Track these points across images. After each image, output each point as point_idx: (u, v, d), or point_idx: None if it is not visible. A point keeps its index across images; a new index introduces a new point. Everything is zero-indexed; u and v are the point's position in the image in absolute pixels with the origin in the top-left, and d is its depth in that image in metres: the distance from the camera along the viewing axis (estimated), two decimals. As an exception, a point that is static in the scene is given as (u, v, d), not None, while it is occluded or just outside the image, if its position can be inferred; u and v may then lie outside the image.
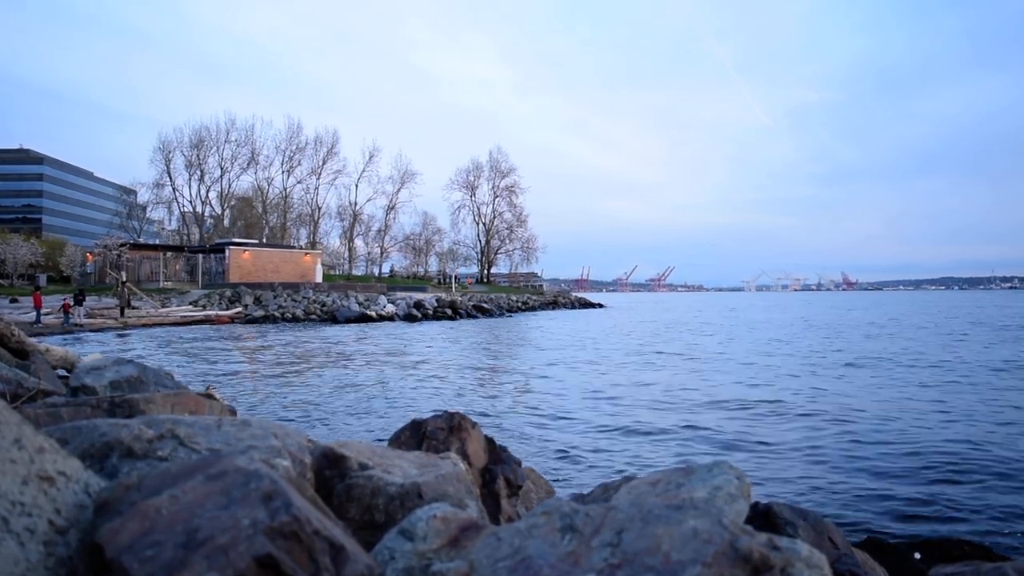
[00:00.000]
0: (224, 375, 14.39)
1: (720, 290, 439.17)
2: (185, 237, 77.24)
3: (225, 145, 78.26)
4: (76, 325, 27.44)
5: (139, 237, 74.85)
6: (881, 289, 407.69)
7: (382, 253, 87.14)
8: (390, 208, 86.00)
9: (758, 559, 1.09)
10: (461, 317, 45.04)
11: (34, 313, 27.56)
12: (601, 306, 76.37)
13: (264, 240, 70.92)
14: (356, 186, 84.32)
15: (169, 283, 50.52)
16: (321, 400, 11.14)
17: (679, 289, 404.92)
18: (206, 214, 79.47)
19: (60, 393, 3.60)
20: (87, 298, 31.84)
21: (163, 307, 37.20)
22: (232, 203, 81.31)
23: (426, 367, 16.20)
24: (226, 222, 79.88)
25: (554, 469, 6.86)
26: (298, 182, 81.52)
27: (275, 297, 41.60)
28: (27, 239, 61.65)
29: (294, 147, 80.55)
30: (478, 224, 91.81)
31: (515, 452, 3.92)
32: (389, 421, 9.30)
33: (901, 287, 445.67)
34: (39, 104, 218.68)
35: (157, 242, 71.57)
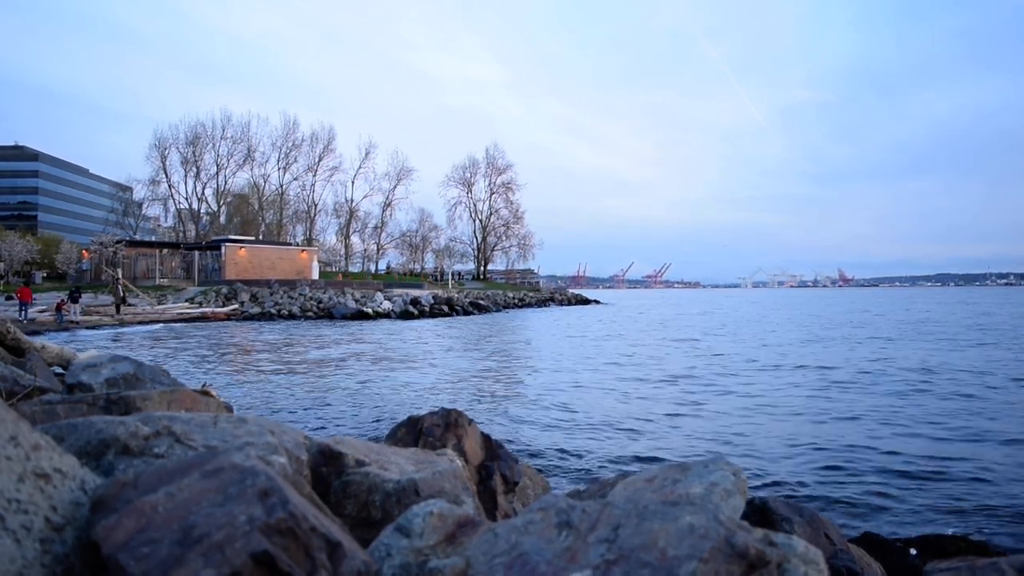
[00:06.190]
0: (220, 372, 14.37)
1: (716, 287, 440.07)
2: (181, 234, 76.89)
3: (221, 142, 77.92)
4: (71, 322, 27.34)
5: (135, 234, 74.36)
6: (877, 286, 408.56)
7: (378, 250, 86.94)
8: (386, 205, 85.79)
9: (754, 555, 1.09)
10: (457, 314, 45.04)
11: (19, 309, 26.92)
12: (598, 302, 76.27)
13: (260, 237, 70.69)
14: (352, 183, 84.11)
15: (165, 280, 50.37)
16: (318, 397, 11.13)
17: (675, 286, 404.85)
18: (202, 211, 79.19)
19: (56, 390, 3.59)
20: (83, 295, 31.73)
21: (159, 304, 37.10)
22: (228, 200, 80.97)
23: (423, 364, 16.19)
24: (222, 219, 79.50)
25: (551, 466, 6.87)
26: (294, 179, 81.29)
27: (271, 294, 41.52)
28: (23, 236, 61.35)
29: (290, 144, 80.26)
30: (474, 221, 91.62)
31: (511, 449, 3.92)
32: (386, 418, 9.30)
33: (897, 284, 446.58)
34: (35, 102, 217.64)
35: (153, 239, 71.00)
